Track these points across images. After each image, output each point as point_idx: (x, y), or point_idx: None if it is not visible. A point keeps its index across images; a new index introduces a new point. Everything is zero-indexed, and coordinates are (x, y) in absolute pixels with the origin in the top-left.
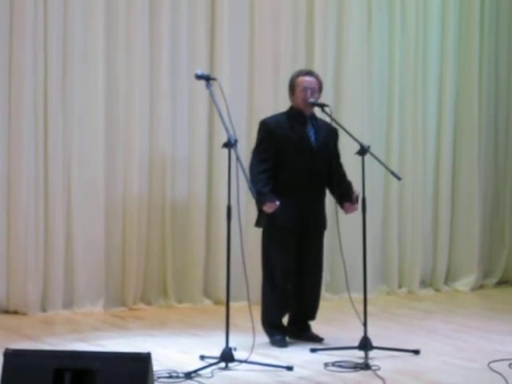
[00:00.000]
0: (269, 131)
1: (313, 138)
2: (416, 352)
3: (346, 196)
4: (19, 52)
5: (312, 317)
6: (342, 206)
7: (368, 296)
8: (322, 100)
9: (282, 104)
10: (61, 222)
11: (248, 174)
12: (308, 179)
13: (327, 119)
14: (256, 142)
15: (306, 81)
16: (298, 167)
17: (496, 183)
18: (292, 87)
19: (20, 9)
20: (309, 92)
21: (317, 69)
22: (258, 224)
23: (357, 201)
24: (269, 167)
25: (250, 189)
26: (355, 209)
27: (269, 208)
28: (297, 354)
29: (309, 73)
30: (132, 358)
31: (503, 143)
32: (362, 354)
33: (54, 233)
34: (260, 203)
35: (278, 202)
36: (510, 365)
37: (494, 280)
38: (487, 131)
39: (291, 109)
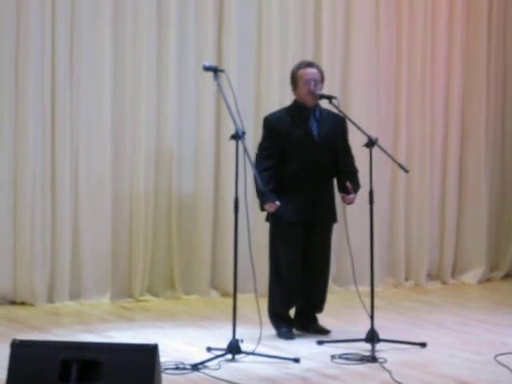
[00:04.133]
0: (271, 128)
1: (316, 132)
2: (422, 345)
3: (344, 187)
4: (26, 45)
5: (319, 309)
6: (342, 197)
7: (375, 289)
8: (329, 92)
9: (289, 97)
10: (68, 213)
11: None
12: (313, 173)
13: (334, 110)
14: (261, 139)
15: (309, 73)
16: (302, 161)
17: (503, 176)
18: (294, 80)
19: (26, 5)
20: (312, 84)
21: (325, 62)
22: (268, 219)
23: (354, 189)
24: (272, 164)
25: (256, 182)
26: (351, 199)
27: (270, 207)
28: (303, 347)
29: (310, 64)
30: (139, 349)
31: (510, 135)
32: (368, 346)
33: (60, 225)
34: (261, 203)
35: (278, 203)
36: None
37: (501, 273)
38: (494, 123)
39: (295, 102)
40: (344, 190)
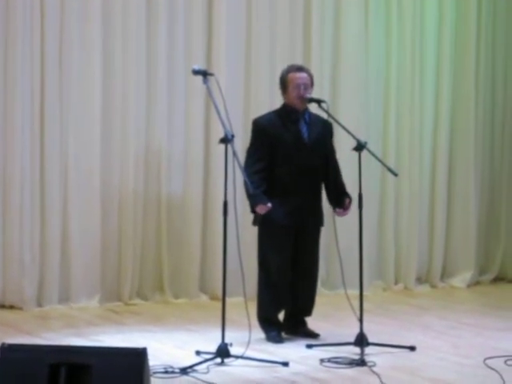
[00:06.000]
0: (261, 130)
1: (306, 135)
2: (412, 348)
3: (338, 201)
4: (14, 46)
5: (308, 313)
6: (334, 209)
7: (364, 292)
8: (318, 96)
9: (279, 101)
10: (57, 216)
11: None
12: (303, 176)
13: (323, 114)
14: (250, 142)
15: (299, 77)
16: (292, 164)
17: (492, 180)
18: (284, 84)
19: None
20: (302, 88)
21: (314, 65)
22: (255, 223)
23: (349, 206)
24: (262, 167)
25: (246, 184)
26: (346, 214)
27: (261, 209)
28: (293, 350)
29: (300, 68)
30: (128, 353)
31: (499, 139)
32: (357, 350)
33: (49, 228)
34: (252, 205)
35: (269, 204)
36: (505, 361)
37: (490, 277)
38: (483, 127)
39: (284, 106)
40: (338, 204)
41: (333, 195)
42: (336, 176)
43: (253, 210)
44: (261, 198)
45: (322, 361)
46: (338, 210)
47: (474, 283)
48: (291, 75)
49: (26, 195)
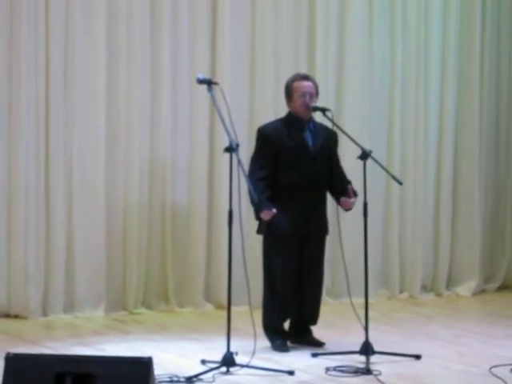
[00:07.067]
0: (266, 138)
1: (311, 143)
2: (417, 357)
3: (342, 191)
4: (19, 52)
5: (313, 321)
6: (340, 204)
7: (369, 301)
8: (323, 104)
9: (283, 109)
10: (62, 226)
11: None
12: (307, 184)
13: (327, 123)
14: (254, 150)
15: (304, 86)
16: (296, 173)
17: (497, 188)
18: (289, 93)
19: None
20: (307, 97)
21: (318, 73)
22: (259, 231)
23: (354, 194)
24: (267, 174)
25: (251, 192)
26: (352, 203)
27: (266, 215)
28: (298, 359)
29: (305, 77)
30: (133, 362)
31: (504, 149)
32: (363, 358)
33: (54, 237)
34: (257, 211)
35: (274, 210)
36: (511, 370)
37: (495, 285)
38: (488, 135)
39: (289, 114)
40: (342, 195)
41: (337, 190)
42: (341, 179)
43: (257, 217)
44: (265, 203)
45: (327, 369)
46: (342, 199)
47: (480, 291)
48: (296, 84)
49: (30, 204)
